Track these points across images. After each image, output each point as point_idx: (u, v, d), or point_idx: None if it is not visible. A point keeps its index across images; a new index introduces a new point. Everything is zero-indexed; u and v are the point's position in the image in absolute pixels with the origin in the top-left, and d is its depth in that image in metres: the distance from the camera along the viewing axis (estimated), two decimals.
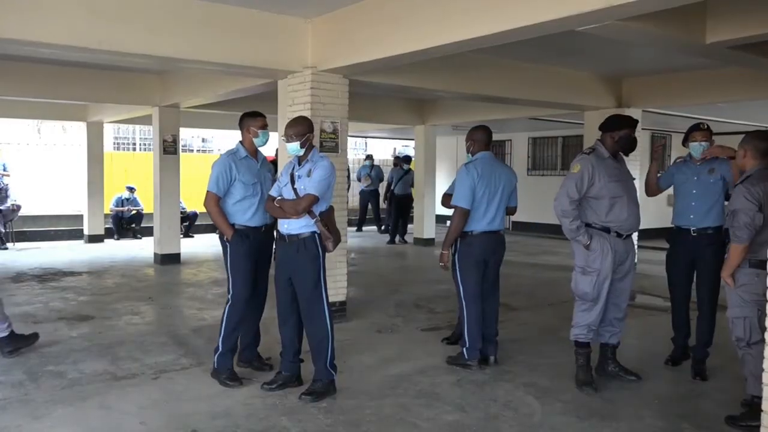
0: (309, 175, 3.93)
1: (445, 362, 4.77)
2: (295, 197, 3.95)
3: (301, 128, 4.01)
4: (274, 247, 4.52)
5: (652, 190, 4.85)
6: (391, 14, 5.07)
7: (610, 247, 4.16)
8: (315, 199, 3.89)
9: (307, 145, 4.02)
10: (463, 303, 4.67)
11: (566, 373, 4.50)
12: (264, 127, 4.39)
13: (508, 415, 3.83)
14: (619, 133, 4.24)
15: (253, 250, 4.29)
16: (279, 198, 4.02)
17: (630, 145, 4.28)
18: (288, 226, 4.00)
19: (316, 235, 3.98)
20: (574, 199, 4.13)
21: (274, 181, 4.45)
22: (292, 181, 3.99)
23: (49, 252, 10.87)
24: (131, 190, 12.92)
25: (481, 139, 4.73)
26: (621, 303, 4.38)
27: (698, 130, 4.53)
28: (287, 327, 4.11)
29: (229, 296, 4.30)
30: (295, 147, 4.00)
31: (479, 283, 4.68)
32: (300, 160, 4.05)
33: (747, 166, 3.81)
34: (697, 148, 4.52)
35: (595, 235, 4.17)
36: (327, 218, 4.03)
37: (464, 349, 4.66)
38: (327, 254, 4.06)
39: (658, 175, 4.87)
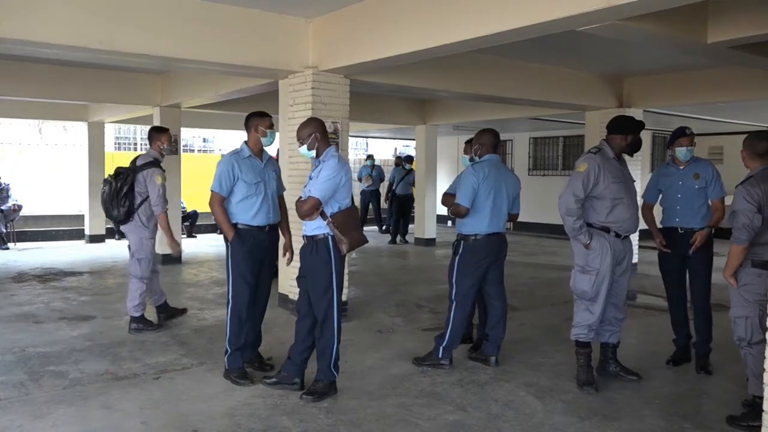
0: (318, 175, 3.91)
1: (412, 363, 4.75)
2: None
3: (304, 131, 4.00)
4: (280, 244, 4.54)
5: (646, 212, 4.93)
6: (391, 14, 5.08)
7: (609, 247, 4.18)
8: (316, 202, 3.82)
9: (318, 145, 3.97)
10: (453, 303, 4.67)
11: (567, 373, 4.51)
12: (271, 126, 4.39)
13: (510, 414, 3.83)
14: (633, 135, 4.30)
15: (255, 251, 4.28)
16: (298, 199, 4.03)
17: (638, 147, 4.37)
18: (305, 227, 4.00)
19: (329, 237, 3.92)
20: (580, 197, 4.14)
21: (279, 180, 4.49)
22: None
23: (51, 252, 10.88)
24: None
25: (489, 143, 4.74)
26: (619, 303, 4.39)
27: (684, 135, 4.67)
28: (303, 322, 4.10)
29: (229, 297, 4.30)
30: (303, 149, 4.00)
31: (474, 286, 4.68)
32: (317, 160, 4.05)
33: (750, 167, 3.85)
34: (684, 153, 4.66)
35: (595, 235, 4.20)
36: (343, 219, 3.90)
37: (441, 348, 4.65)
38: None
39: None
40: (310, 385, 4.05)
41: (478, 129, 4.90)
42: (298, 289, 4.18)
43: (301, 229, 4.06)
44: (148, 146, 5.86)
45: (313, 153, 3.98)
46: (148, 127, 7.08)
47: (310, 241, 3.97)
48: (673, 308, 4.86)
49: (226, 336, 4.30)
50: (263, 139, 4.34)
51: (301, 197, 4.00)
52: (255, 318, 4.49)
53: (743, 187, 3.66)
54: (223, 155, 4.44)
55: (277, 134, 6.01)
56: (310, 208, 3.83)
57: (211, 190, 4.23)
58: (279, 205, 4.50)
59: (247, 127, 4.39)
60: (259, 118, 4.37)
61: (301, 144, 3.99)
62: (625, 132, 4.30)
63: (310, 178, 3.97)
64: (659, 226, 4.86)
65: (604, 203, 4.18)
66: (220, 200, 4.23)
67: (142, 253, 5.59)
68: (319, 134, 3.99)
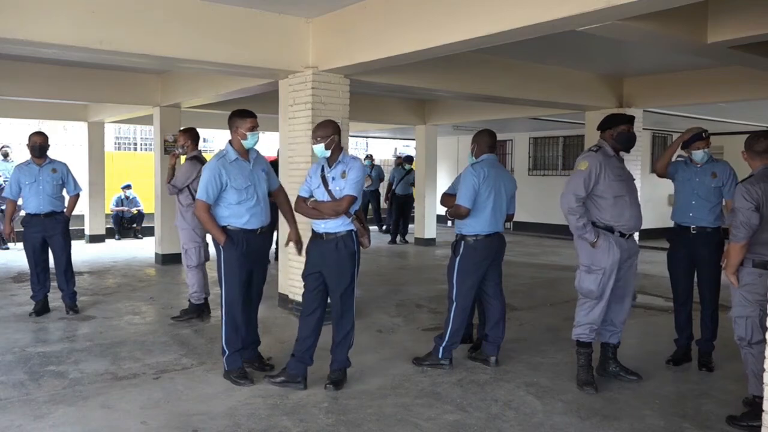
0: (343, 176, 4.02)
1: (412, 363, 4.75)
2: (329, 199, 4.03)
3: (325, 130, 4.08)
4: (273, 247, 4.54)
5: (661, 168, 4.89)
6: (392, 14, 5.08)
7: (615, 245, 4.17)
8: (354, 200, 4.02)
9: (334, 147, 4.09)
10: (453, 303, 4.66)
11: (567, 373, 4.51)
12: (253, 128, 4.22)
13: (510, 414, 3.83)
14: (617, 129, 4.29)
15: (247, 254, 4.24)
16: (313, 200, 4.09)
17: (629, 141, 4.32)
18: (325, 225, 4.09)
19: (353, 233, 4.10)
20: (581, 196, 4.13)
21: (270, 176, 4.42)
22: (325, 183, 4.05)
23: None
24: (127, 187, 12.87)
25: (486, 142, 4.74)
26: (623, 303, 4.38)
27: (701, 139, 4.67)
28: (311, 318, 4.16)
29: (223, 301, 4.28)
30: (320, 148, 4.08)
31: (474, 286, 4.68)
32: (330, 162, 4.13)
33: (752, 167, 3.89)
34: (701, 155, 4.66)
35: (601, 234, 4.19)
36: (360, 215, 4.21)
37: (440, 348, 4.65)
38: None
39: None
40: (331, 375, 4.19)
41: (478, 129, 4.91)
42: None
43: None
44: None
45: (328, 153, 4.09)
46: (148, 128, 7.08)
47: (333, 237, 4.08)
48: (680, 309, 4.85)
49: (222, 339, 4.30)
50: (244, 142, 4.21)
51: (312, 198, 4.11)
52: (250, 319, 4.47)
53: (742, 186, 3.72)
54: (209, 159, 4.29)
55: (275, 135, 5.99)
56: (349, 206, 4.02)
57: (197, 198, 4.13)
58: (278, 198, 4.56)
59: (230, 127, 4.25)
60: (239, 119, 4.21)
61: (318, 143, 4.06)
62: (610, 127, 4.32)
63: (328, 180, 4.06)
64: (671, 223, 4.84)
65: (607, 201, 4.18)
66: (206, 208, 4.13)
67: None
68: (338, 137, 4.12)
